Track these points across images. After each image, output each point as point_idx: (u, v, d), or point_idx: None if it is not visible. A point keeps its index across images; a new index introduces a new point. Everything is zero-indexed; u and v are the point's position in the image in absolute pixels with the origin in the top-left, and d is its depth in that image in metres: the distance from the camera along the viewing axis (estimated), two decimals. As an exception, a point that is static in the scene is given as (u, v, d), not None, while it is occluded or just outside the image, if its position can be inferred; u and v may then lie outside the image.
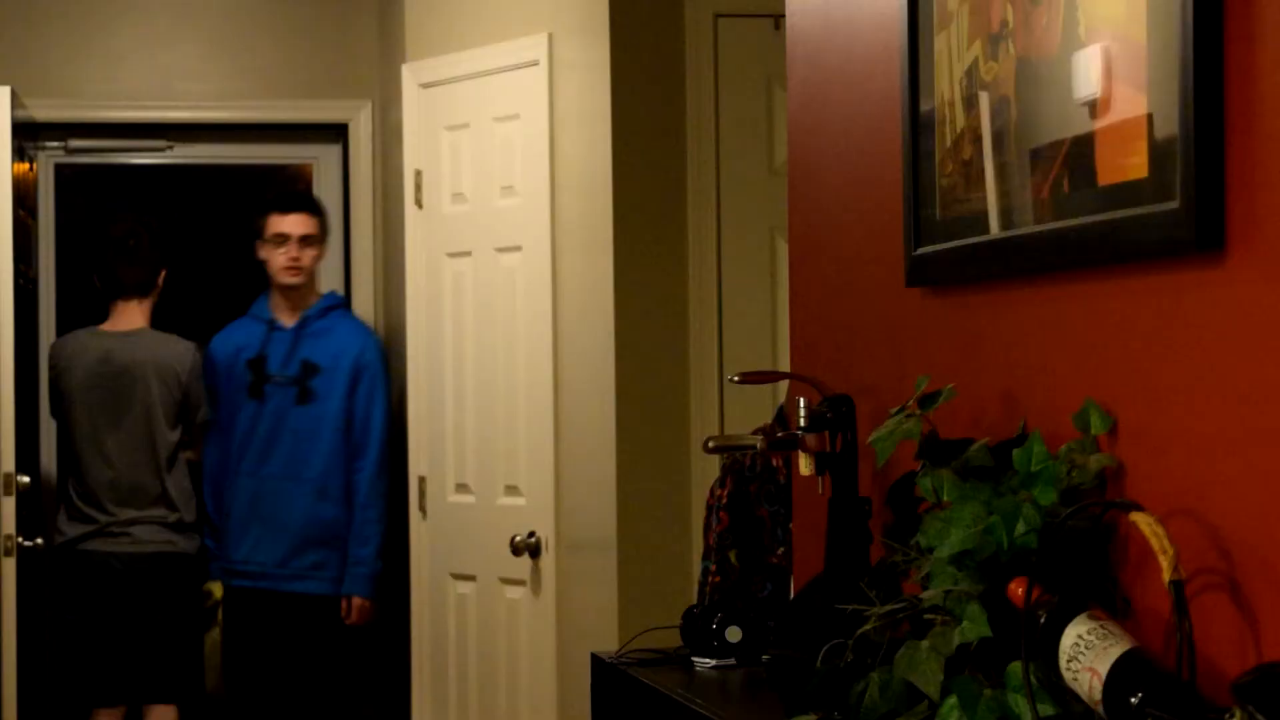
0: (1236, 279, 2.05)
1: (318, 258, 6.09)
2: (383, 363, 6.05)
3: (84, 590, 5.91)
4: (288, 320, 6.04)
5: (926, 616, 2.37)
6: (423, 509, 5.90)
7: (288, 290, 6.05)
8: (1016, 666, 2.18)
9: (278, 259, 6.00)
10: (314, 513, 5.97)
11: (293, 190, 6.06)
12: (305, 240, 6.02)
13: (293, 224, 6.00)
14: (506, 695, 5.54)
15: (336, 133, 6.62)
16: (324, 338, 6.02)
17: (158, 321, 6.10)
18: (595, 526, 5.20)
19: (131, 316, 6.06)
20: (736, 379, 3.36)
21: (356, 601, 5.95)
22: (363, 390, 5.98)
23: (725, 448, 3.33)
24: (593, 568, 5.20)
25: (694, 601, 3.69)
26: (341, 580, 5.96)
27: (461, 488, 5.77)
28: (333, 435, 5.95)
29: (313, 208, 6.08)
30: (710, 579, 3.64)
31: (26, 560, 5.98)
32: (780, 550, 3.60)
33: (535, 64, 5.41)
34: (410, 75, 5.94)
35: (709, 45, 5.19)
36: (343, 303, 6.22)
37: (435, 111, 5.83)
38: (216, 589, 6.11)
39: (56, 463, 6.43)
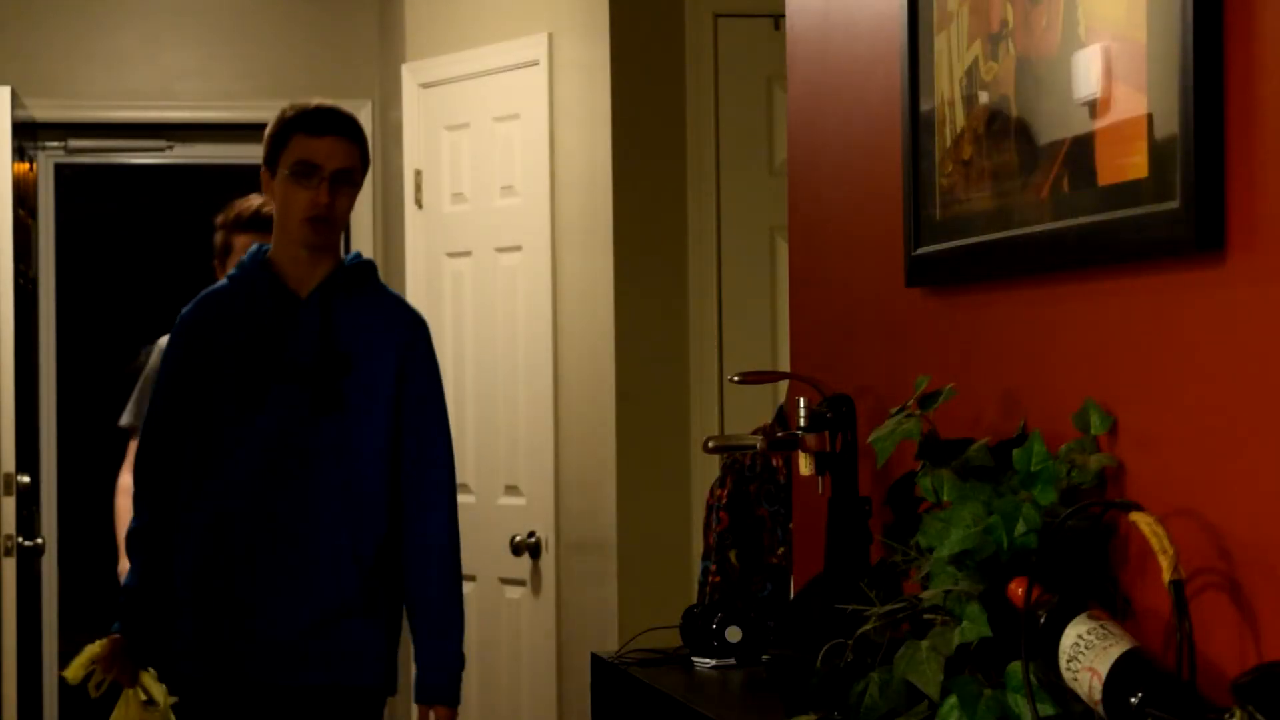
0: (1236, 279, 2.05)
1: (351, 205, 3.93)
2: (435, 357, 3.94)
3: None
4: (301, 289, 3.78)
5: (926, 616, 2.37)
6: (423, 509, 5.89)
7: (307, 248, 3.81)
8: (1016, 666, 2.18)
9: (298, 199, 3.76)
10: (344, 571, 3.73)
11: (325, 107, 3.86)
12: (341, 177, 3.78)
13: (327, 151, 3.78)
14: (506, 695, 5.54)
15: (336, 133, 6.60)
16: (358, 316, 3.79)
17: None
18: (595, 526, 5.20)
19: None
20: (736, 379, 3.36)
21: (442, 713, 3.80)
22: (414, 394, 3.81)
23: (725, 448, 3.33)
24: (593, 568, 5.20)
25: (694, 601, 3.69)
26: (384, 669, 3.79)
27: (461, 487, 5.75)
28: (373, 459, 3.76)
29: (354, 132, 3.87)
30: (710, 579, 3.64)
31: (26, 560, 5.98)
32: (780, 550, 3.60)
33: (535, 64, 5.41)
34: (410, 75, 5.94)
35: (709, 45, 5.20)
36: (374, 267, 3.94)
37: (435, 111, 5.83)
38: (156, 689, 3.79)
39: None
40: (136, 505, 3.82)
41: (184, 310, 3.85)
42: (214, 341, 3.77)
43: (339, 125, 3.82)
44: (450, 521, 3.78)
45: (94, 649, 3.75)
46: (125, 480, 4.92)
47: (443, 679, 3.73)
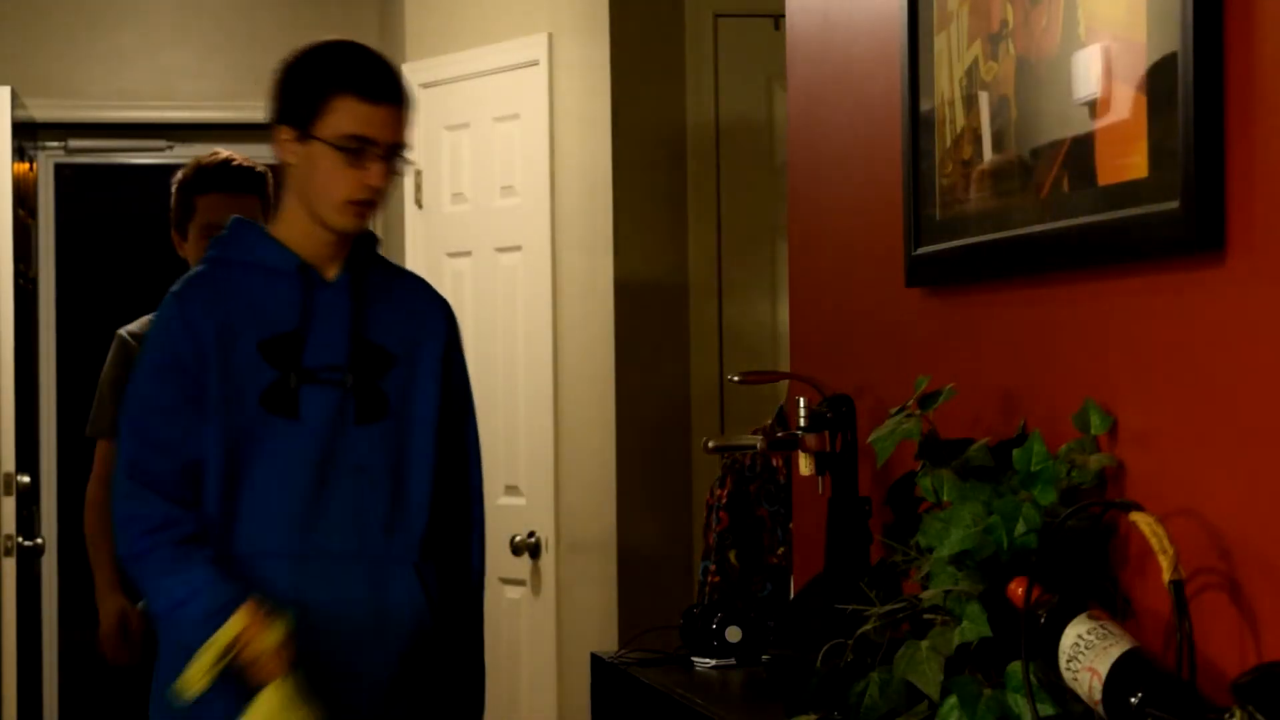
0: (1236, 279, 2.05)
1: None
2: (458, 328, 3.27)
3: None
4: (330, 272, 3.06)
5: (926, 616, 2.37)
6: (423, 509, 5.90)
7: (340, 232, 3.05)
8: (1016, 666, 2.18)
9: (343, 178, 2.99)
10: (412, 618, 3.06)
11: (373, 59, 3.09)
12: (394, 152, 3.02)
13: (383, 121, 3.01)
14: (506, 695, 5.54)
15: (336, 133, 6.61)
16: (390, 302, 3.13)
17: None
18: (595, 526, 5.20)
19: None
20: (736, 379, 3.36)
21: None
22: (457, 394, 3.19)
23: (725, 448, 3.33)
24: (593, 568, 5.20)
25: (694, 601, 3.69)
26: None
27: (461, 488, 5.77)
28: (425, 475, 3.09)
29: (408, 100, 3.09)
30: (710, 579, 3.65)
31: (26, 560, 5.98)
32: (780, 550, 3.60)
33: (535, 64, 5.41)
34: (410, 75, 5.93)
35: (709, 45, 5.20)
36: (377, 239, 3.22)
37: (435, 111, 5.82)
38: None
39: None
40: (135, 531, 2.95)
41: (175, 293, 3.04)
42: (229, 336, 2.97)
43: (398, 90, 3.05)
44: (482, 535, 3.21)
45: (231, 629, 2.83)
46: (95, 493, 4.24)
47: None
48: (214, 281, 3.03)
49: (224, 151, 4.18)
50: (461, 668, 3.15)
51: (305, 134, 2.97)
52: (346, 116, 2.96)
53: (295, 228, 3.03)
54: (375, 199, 3.01)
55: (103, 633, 4.26)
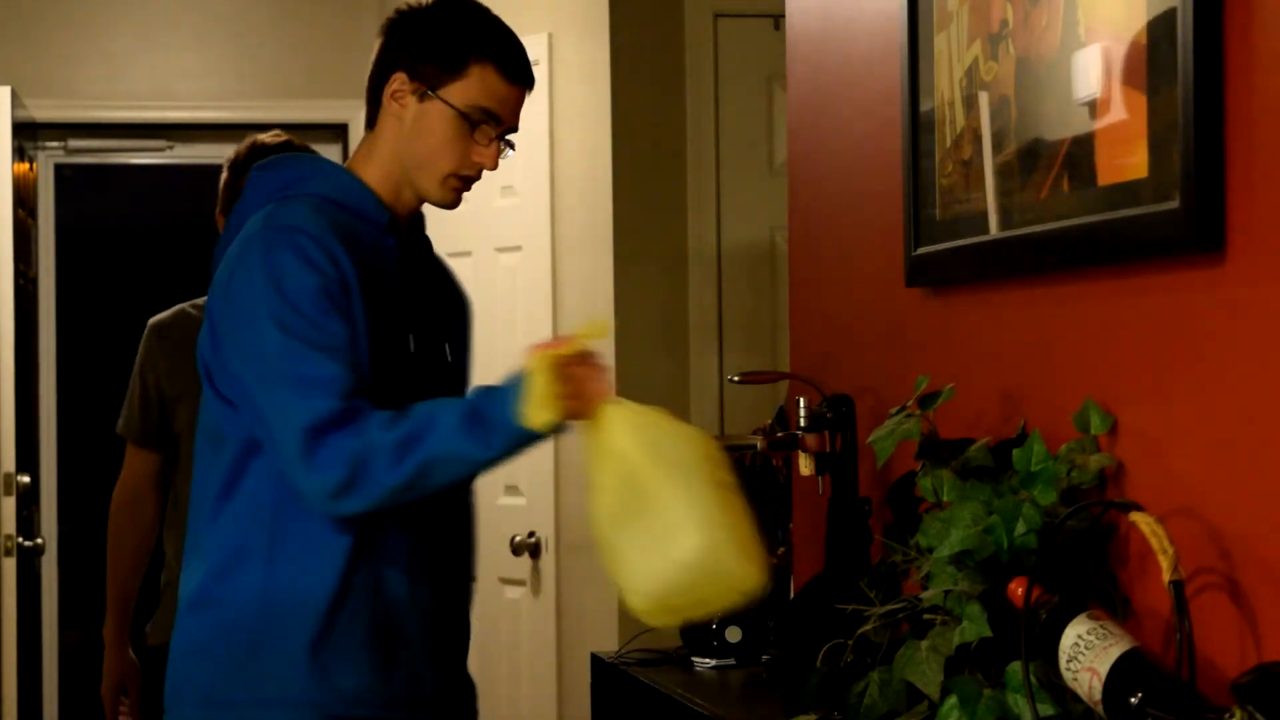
0: (1236, 279, 2.05)
1: None
2: None
3: None
4: (395, 236, 2.82)
5: (926, 616, 2.37)
6: (423, 509, 5.90)
7: (428, 203, 2.91)
8: (1016, 666, 2.18)
9: (460, 151, 2.78)
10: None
11: (514, 34, 2.91)
12: (510, 133, 2.88)
13: (515, 103, 2.84)
14: (506, 695, 5.54)
15: (336, 133, 6.61)
16: (438, 285, 2.98)
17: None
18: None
19: None
20: (736, 379, 3.36)
21: None
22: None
23: (725, 448, 3.32)
24: (593, 568, 5.19)
25: (694, 601, 3.68)
26: None
27: (461, 488, 5.77)
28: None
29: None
30: (710, 579, 3.64)
31: (26, 560, 5.99)
32: (780, 550, 3.60)
33: (535, 64, 5.39)
34: (410, 75, 5.94)
35: (709, 45, 5.19)
36: None
37: (435, 111, 5.82)
38: None
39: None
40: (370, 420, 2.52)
41: (287, 226, 2.60)
42: (355, 281, 2.62)
43: (532, 75, 2.89)
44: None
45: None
46: (122, 498, 3.90)
47: None
48: (320, 212, 2.64)
49: (273, 134, 3.88)
50: None
51: (431, 91, 2.70)
52: (483, 87, 2.73)
53: (383, 182, 2.74)
54: (478, 179, 2.83)
55: (104, 690, 3.91)
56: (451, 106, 2.70)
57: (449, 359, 2.80)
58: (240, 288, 2.57)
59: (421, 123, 2.72)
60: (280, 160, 2.78)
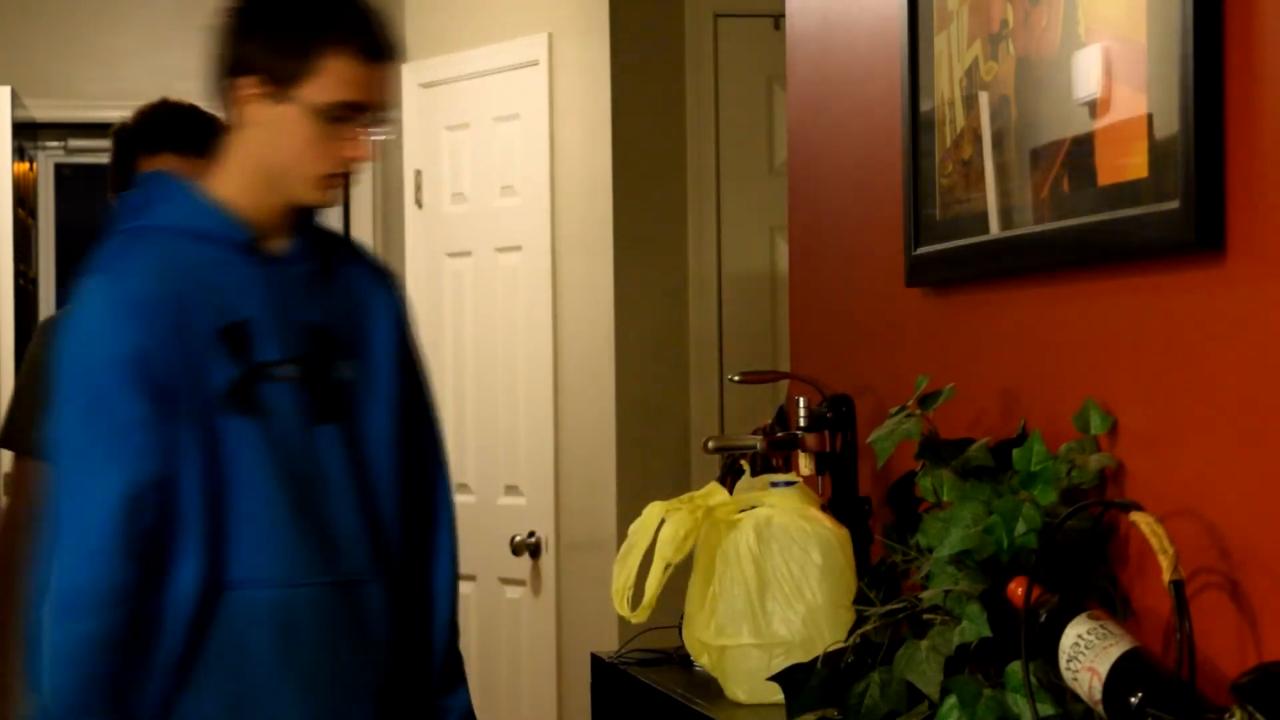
0: (1236, 279, 2.05)
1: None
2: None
3: None
4: (276, 244, 2.53)
5: (926, 616, 2.37)
6: (423, 509, 5.90)
7: (308, 205, 2.56)
8: (1016, 666, 2.18)
9: (327, 151, 2.47)
10: (388, 647, 2.58)
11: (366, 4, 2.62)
12: (382, 115, 2.55)
13: (379, 84, 2.55)
14: (507, 695, 5.54)
15: (336, 133, 6.61)
16: (337, 278, 2.60)
17: None
18: (595, 526, 5.20)
19: None
20: (736, 379, 3.36)
21: None
22: (415, 381, 2.68)
23: (725, 448, 3.32)
24: (593, 568, 5.20)
25: (694, 601, 3.68)
26: None
27: (461, 488, 5.76)
28: (390, 479, 2.59)
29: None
30: (710, 579, 3.64)
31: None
32: (780, 550, 3.60)
33: (535, 64, 5.41)
34: (410, 75, 5.94)
35: (709, 45, 5.19)
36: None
37: (435, 111, 5.82)
38: None
39: None
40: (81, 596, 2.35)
41: (107, 270, 2.42)
42: (185, 321, 2.41)
43: (392, 44, 2.59)
44: (457, 582, 2.73)
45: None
46: (10, 528, 3.22)
47: None
48: (154, 252, 2.43)
49: (170, 103, 3.46)
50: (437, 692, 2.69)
51: (283, 93, 2.43)
52: (340, 79, 2.44)
53: (243, 193, 2.47)
54: (356, 172, 2.52)
55: None
56: (312, 105, 2.43)
57: (348, 376, 2.53)
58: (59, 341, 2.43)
59: (280, 127, 2.45)
60: (141, 180, 2.61)
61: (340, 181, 2.51)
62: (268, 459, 2.43)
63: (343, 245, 2.68)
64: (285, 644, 2.44)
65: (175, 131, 3.33)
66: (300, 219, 2.53)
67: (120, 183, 3.26)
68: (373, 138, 2.50)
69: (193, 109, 3.36)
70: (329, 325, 2.53)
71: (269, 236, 2.50)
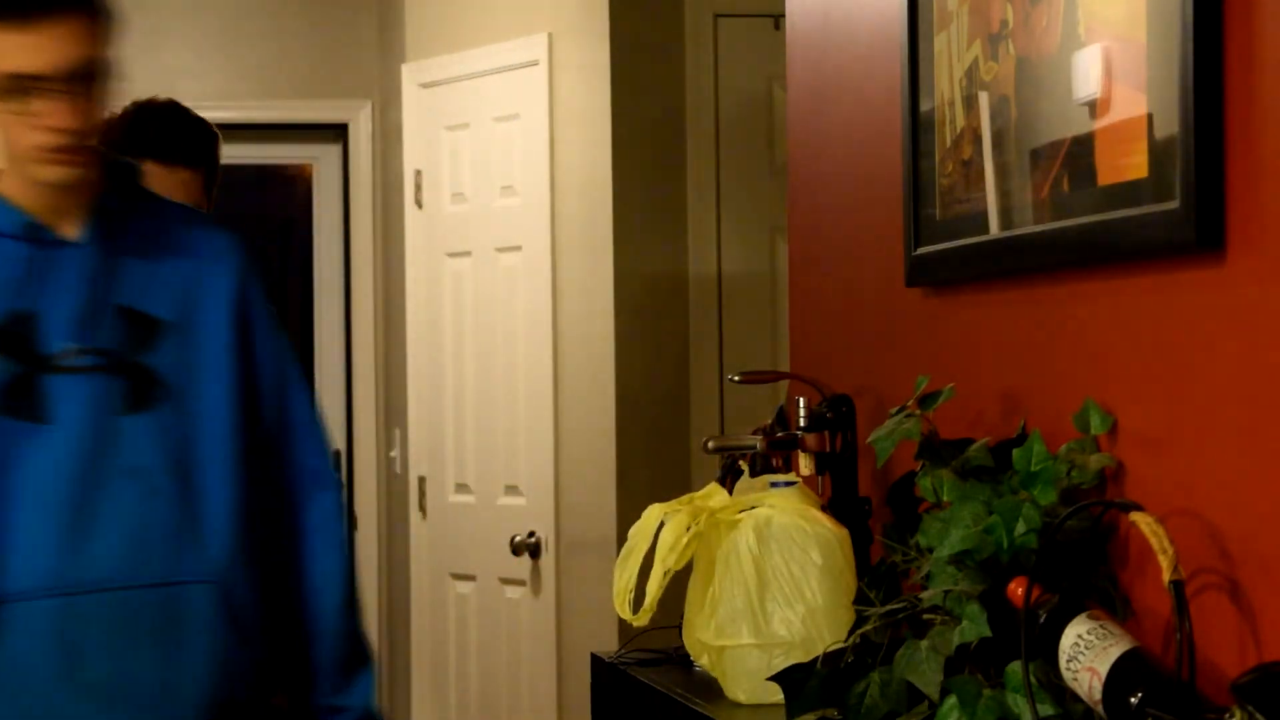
0: (1236, 279, 2.05)
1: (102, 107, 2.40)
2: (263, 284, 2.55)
3: None
4: (69, 227, 2.38)
5: (926, 616, 2.37)
6: (423, 509, 5.90)
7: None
8: (1016, 666, 2.18)
9: (27, 123, 2.29)
10: (214, 655, 2.36)
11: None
12: (79, 79, 2.28)
13: (37, 45, 2.26)
14: (507, 695, 5.54)
15: (336, 133, 6.61)
16: (162, 253, 2.43)
17: None
18: (595, 526, 5.20)
19: None
20: (736, 379, 3.36)
21: None
22: (265, 359, 2.47)
23: (725, 448, 3.33)
24: (593, 568, 5.20)
25: (694, 601, 3.68)
26: None
27: (461, 488, 5.77)
28: (224, 470, 2.40)
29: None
30: (710, 579, 3.64)
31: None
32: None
33: (535, 64, 5.41)
34: (410, 75, 5.94)
35: (709, 45, 5.20)
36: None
37: (435, 111, 5.82)
38: None
39: None
40: None
41: None
42: None
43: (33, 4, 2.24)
44: (349, 567, 2.51)
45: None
46: None
47: None
48: None
49: (161, 96, 3.31)
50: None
51: None
52: None
53: (13, 179, 2.32)
54: (80, 140, 2.29)
55: None
56: None
57: (167, 360, 2.36)
58: None
59: None
60: None
61: (69, 155, 2.29)
62: (47, 460, 2.28)
63: (174, 216, 2.48)
64: (69, 658, 2.26)
65: (157, 141, 3.24)
66: (110, 196, 2.38)
67: None
68: (78, 103, 2.26)
69: (176, 115, 3.28)
70: (147, 305, 2.36)
71: (60, 219, 2.34)
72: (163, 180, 3.06)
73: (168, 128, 3.27)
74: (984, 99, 2.64)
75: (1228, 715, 1.80)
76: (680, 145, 5.19)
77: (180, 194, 2.88)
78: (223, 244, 2.45)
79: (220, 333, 2.40)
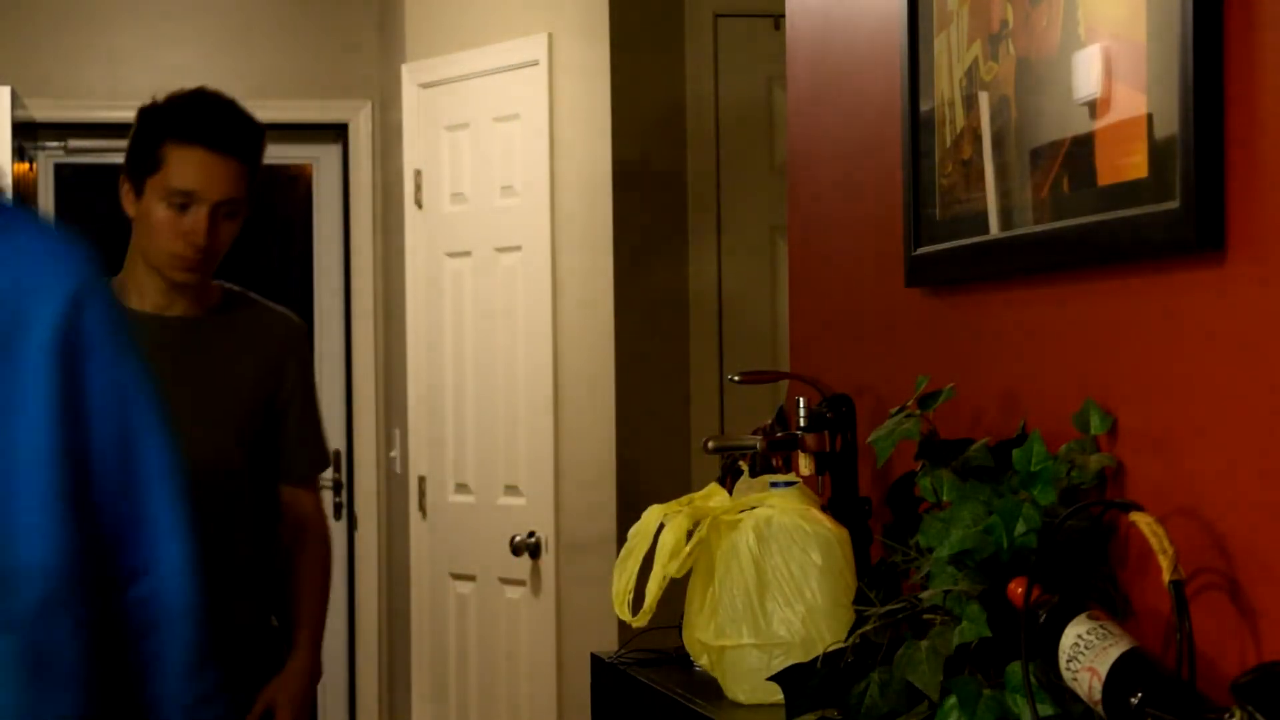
0: (1236, 279, 2.05)
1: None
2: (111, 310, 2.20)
3: None
4: None
5: (926, 616, 2.37)
6: (422, 509, 5.90)
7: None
8: (1016, 666, 2.18)
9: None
10: (12, 711, 2.06)
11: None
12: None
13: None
14: (506, 695, 5.54)
15: (336, 133, 6.62)
16: None
17: None
18: (595, 526, 5.20)
19: None
20: (736, 379, 3.35)
21: None
22: (98, 382, 2.10)
23: (725, 448, 3.32)
24: (593, 568, 5.20)
25: (694, 601, 3.68)
26: None
27: (461, 488, 5.77)
28: (37, 509, 2.06)
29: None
30: (710, 579, 3.64)
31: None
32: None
33: (535, 64, 5.41)
34: (410, 75, 5.94)
35: (709, 45, 5.20)
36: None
37: (435, 111, 5.82)
38: None
39: None
40: None
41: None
42: None
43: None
44: (190, 565, 2.18)
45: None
46: None
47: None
48: None
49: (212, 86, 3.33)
50: None
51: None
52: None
53: None
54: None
55: None
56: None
57: None
58: None
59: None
60: None
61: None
62: None
63: (11, 226, 2.13)
64: None
65: (202, 124, 3.20)
66: None
67: (138, 167, 3.16)
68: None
69: (226, 103, 3.25)
70: None
71: None
72: (212, 169, 3.07)
73: (227, 117, 3.23)
74: (984, 99, 2.64)
75: (1228, 715, 1.80)
76: (680, 145, 5.19)
77: (228, 185, 2.94)
78: (53, 253, 2.12)
79: (40, 355, 2.06)
